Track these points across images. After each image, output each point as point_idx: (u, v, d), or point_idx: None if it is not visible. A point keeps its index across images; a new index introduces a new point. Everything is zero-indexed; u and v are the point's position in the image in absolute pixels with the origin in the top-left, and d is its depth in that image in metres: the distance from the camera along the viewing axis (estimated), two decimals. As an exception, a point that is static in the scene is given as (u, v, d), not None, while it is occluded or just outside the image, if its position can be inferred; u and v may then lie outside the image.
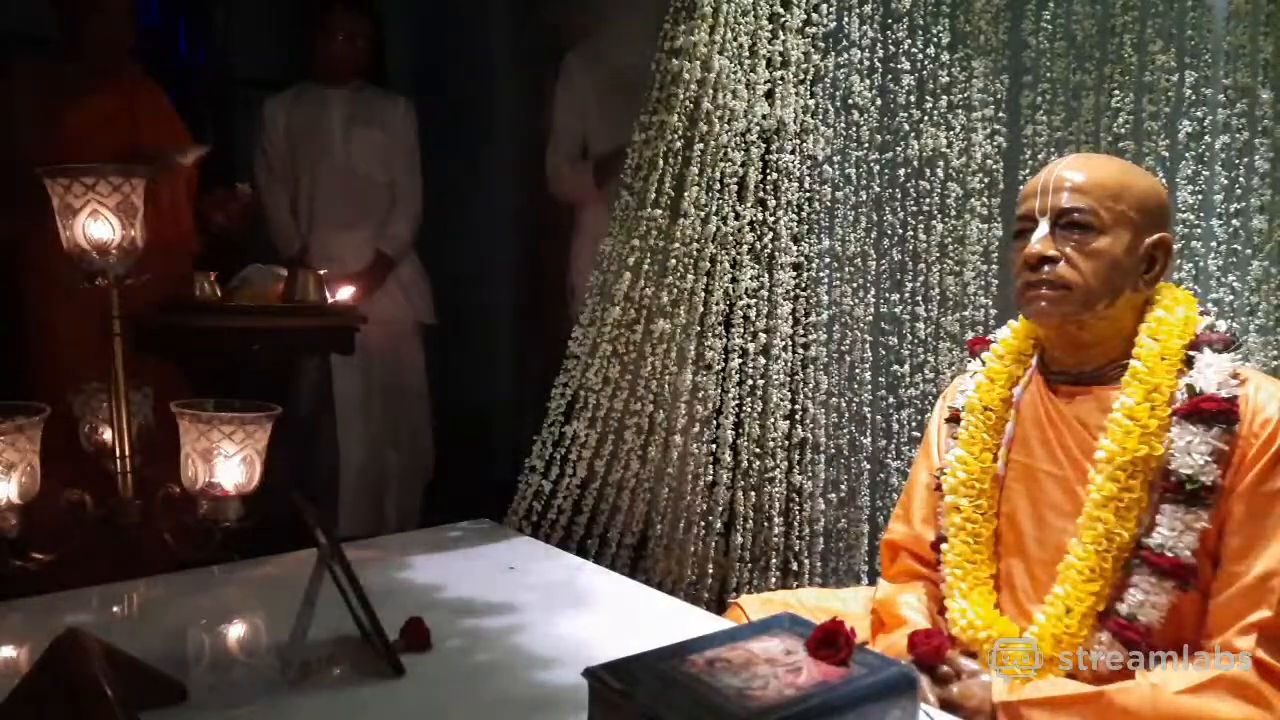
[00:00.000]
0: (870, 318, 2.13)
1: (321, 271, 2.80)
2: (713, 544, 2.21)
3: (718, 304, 2.18)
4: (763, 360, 2.18)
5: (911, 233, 2.03)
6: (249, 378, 2.57)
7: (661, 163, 2.14)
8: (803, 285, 2.20)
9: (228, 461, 1.65)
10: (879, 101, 2.06)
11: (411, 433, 3.37)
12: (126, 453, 1.77)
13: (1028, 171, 1.78)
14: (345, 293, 2.98)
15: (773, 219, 2.17)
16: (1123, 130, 1.70)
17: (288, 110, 3.24)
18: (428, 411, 3.42)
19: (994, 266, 1.92)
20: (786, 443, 2.19)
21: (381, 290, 3.22)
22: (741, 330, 2.18)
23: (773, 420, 2.18)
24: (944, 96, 1.95)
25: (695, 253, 2.16)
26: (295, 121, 3.22)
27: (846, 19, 2.08)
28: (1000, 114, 1.90)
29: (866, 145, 2.09)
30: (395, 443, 3.32)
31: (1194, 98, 1.62)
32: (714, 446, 2.20)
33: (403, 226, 3.27)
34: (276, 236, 3.24)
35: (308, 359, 3.19)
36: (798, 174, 2.15)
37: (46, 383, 2.36)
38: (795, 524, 2.18)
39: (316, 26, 3.20)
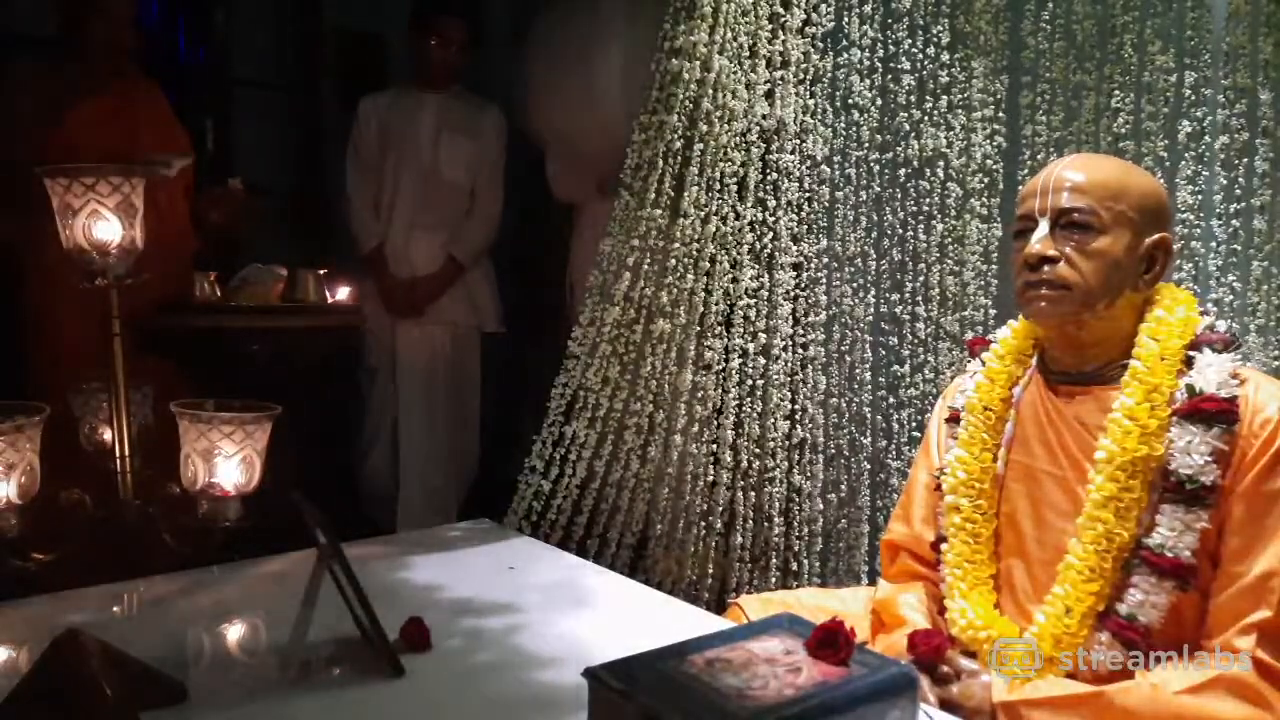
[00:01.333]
0: (870, 318, 2.13)
1: (321, 271, 2.81)
2: (713, 544, 2.21)
3: (718, 304, 2.18)
4: (763, 360, 2.18)
5: (911, 233, 2.03)
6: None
7: (661, 163, 2.14)
8: (803, 285, 2.20)
9: (227, 462, 1.65)
10: (879, 101, 2.06)
11: (464, 434, 3.38)
12: (126, 453, 1.77)
13: (1027, 172, 1.78)
14: (343, 292, 2.98)
15: (773, 219, 2.17)
16: (1123, 130, 1.70)
17: (383, 110, 3.26)
18: (478, 415, 3.43)
19: (994, 266, 1.92)
20: (786, 443, 2.19)
21: (449, 295, 3.23)
22: (741, 330, 2.18)
23: (773, 420, 2.18)
24: (944, 96, 1.95)
25: (695, 253, 2.16)
26: (389, 122, 3.24)
27: (846, 19, 2.08)
28: (1000, 114, 1.90)
29: (866, 145, 2.09)
30: (449, 444, 3.33)
31: (1193, 98, 1.62)
32: (714, 446, 2.20)
33: (477, 233, 3.27)
34: (357, 232, 3.25)
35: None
36: (798, 174, 2.16)
37: (48, 383, 2.36)
38: (795, 524, 2.18)
39: (414, 30, 3.21)
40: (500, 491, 2.29)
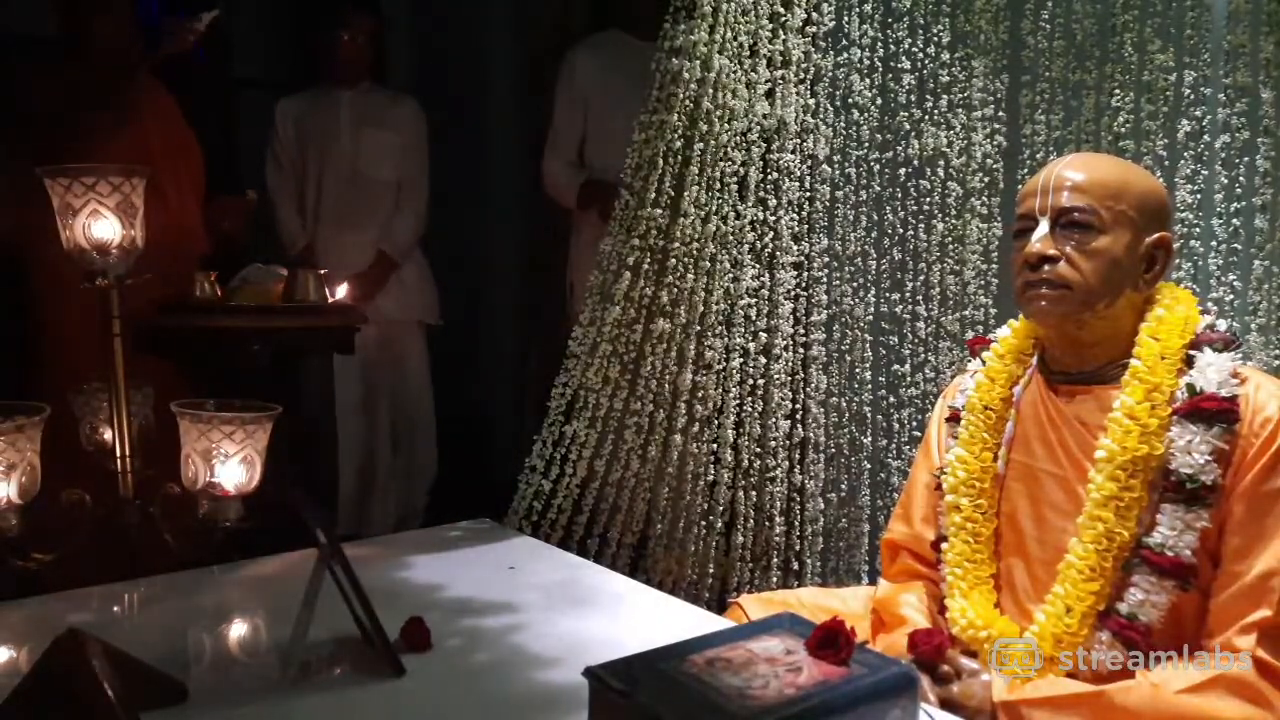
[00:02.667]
0: (870, 317, 2.13)
1: (322, 271, 2.81)
2: (713, 543, 2.21)
3: (718, 303, 2.18)
4: (763, 360, 2.18)
5: (912, 232, 2.03)
6: (250, 376, 2.58)
7: (661, 162, 2.14)
8: (803, 284, 2.20)
9: (228, 461, 1.65)
10: (879, 101, 2.06)
11: (412, 433, 3.37)
12: (126, 453, 1.77)
13: (1027, 171, 1.78)
14: (343, 291, 2.98)
15: (773, 218, 2.17)
16: (1123, 129, 1.70)
17: (299, 111, 3.27)
18: (430, 411, 3.41)
19: (994, 265, 1.92)
20: (787, 442, 2.18)
21: (384, 290, 3.23)
22: (742, 329, 2.18)
23: (773, 420, 2.18)
24: (944, 96, 1.95)
25: (695, 252, 2.16)
26: (305, 122, 3.26)
27: (847, 18, 2.08)
28: (1000, 113, 1.90)
29: (867, 145, 2.09)
30: (395, 443, 3.32)
31: (1193, 97, 1.62)
32: (714, 446, 2.20)
33: (406, 227, 3.28)
34: (282, 235, 3.27)
35: (310, 358, 3.20)
36: (798, 173, 2.15)
37: (51, 383, 2.36)
38: (796, 523, 2.18)
39: (323, 27, 3.21)
40: (500, 491, 2.29)
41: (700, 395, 2.21)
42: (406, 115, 3.30)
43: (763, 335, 2.17)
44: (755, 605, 1.51)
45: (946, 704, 1.27)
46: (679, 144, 2.13)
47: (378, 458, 3.28)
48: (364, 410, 3.26)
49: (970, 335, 1.86)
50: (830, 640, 1.04)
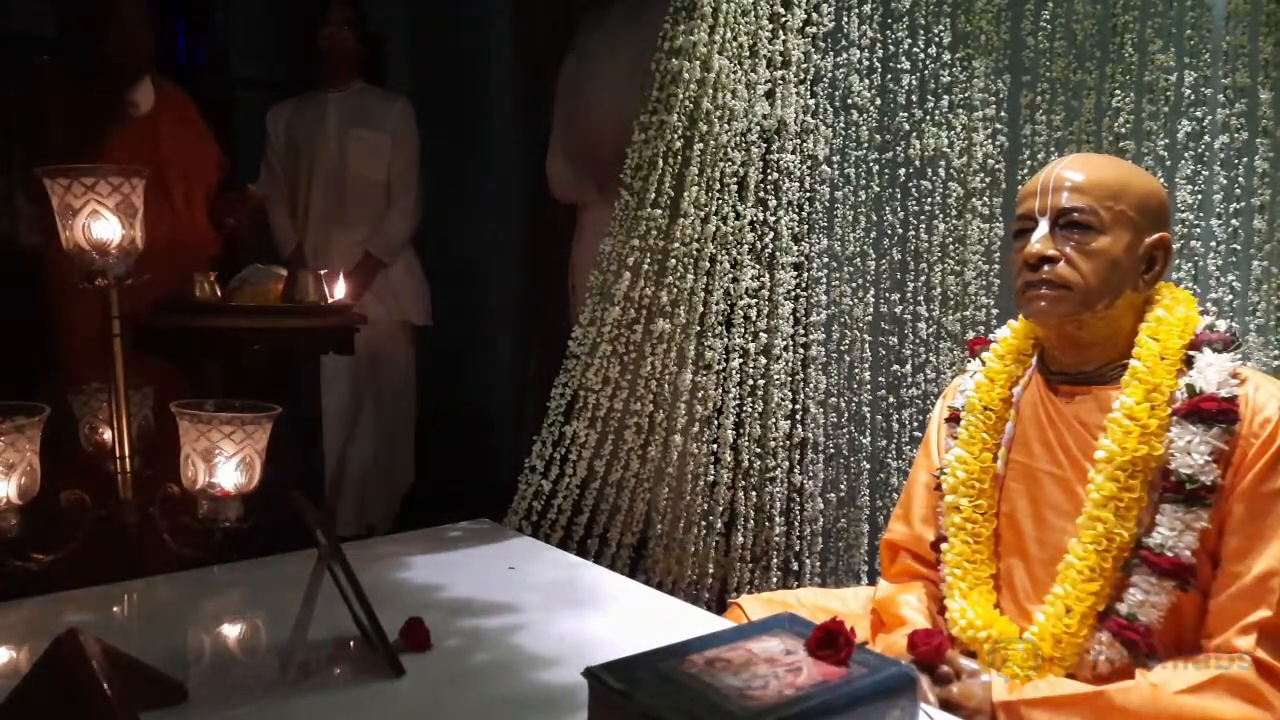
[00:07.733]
0: (870, 317, 2.13)
1: (322, 271, 2.81)
2: (713, 544, 2.21)
3: (718, 304, 2.18)
4: (763, 360, 2.18)
5: (912, 232, 2.03)
6: (245, 376, 2.58)
7: (661, 162, 2.14)
8: (803, 285, 2.20)
9: (227, 462, 1.65)
10: (879, 101, 2.07)
11: (392, 434, 3.35)
12: (126, 453, 1.77)
13: (1028, 171, 1.78)
14: (341, 290, 2.98)
15: (773, 219, 2.17)
16: (1123, 130, 1.70)
17: (289, 114, 3.29)
18: (411, 413, 3.39)
19: (995, 266, 1.92)
20: (787, 442, 2.19)
21: (370, 290, 3.22)
22: (742, 330, 2.18)
23: (773, 420, 2.18)
24: (945, 96, 1.95)
25: (695, 252, 2.16)
26: (295, 125, 3.27)
27: (846, 19, 2.08)
28: (1001, 114, 1.90)
29: (866, 145, 2.09)
30: (377, 444, 3.31)
31: (1193, 97, 1.62)
32: (714, 446, 2.20)
33: (395, 227, 3.27)
34: (277, 237, 3.29)
35: (298, 360, 3.21)
36: (798, 174, 2.16)
37: (55, 383, 2.36)
38: (795, 524, 2.19)
39: (308, 27, 3.24)
40: (500, 491, 2.29)
41: (700, 395, 2.21)
42: (394, 113, 3.28)
43: (762, 335, 2.17)
44: (755, 605, 1.51)
45: (946, 704, 1.27)
46: (679, 144, 2.14)
47: (360, 459, 3.27)
48: (349, 411, 3.24)
49: (972, 336, 1.86)
50: (830, 640, 1.04)
